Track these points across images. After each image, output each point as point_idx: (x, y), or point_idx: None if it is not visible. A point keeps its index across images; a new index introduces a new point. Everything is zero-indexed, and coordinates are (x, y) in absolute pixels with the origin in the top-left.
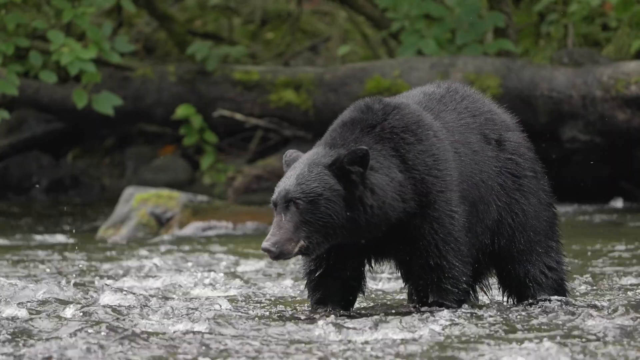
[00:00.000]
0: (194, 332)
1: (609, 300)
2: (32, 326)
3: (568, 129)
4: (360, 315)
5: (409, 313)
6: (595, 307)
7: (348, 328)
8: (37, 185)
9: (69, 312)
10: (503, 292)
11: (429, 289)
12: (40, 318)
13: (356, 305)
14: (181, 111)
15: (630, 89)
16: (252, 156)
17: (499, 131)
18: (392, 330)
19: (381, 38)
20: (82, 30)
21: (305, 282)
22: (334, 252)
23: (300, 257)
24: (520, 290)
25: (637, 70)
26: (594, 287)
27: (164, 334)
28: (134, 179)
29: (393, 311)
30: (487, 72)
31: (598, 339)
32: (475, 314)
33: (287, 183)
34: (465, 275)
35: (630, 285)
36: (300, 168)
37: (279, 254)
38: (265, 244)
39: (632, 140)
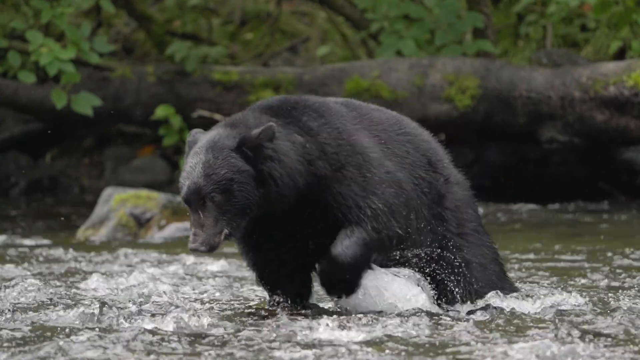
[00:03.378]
0: (169, 333)
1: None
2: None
3: (547, 130)
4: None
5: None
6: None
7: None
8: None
9: (46, 314)
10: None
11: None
12: (14, 321)
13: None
14: (160, 111)
15: (608, 90)
16: None
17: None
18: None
19: (360, 39)
20: (60, 31)
21: (247, 264)
22: (259, 232)
23: None
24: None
25: (615, 71)
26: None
27: (142, 333)
28: (113, 180)
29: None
30: (466, 73)
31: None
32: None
33: (194, 176)
34: (395, 220)
35: (604, 284)
36: (204, 154)
37: (208, 250)
38: (192, 245)
39: (610, 141)
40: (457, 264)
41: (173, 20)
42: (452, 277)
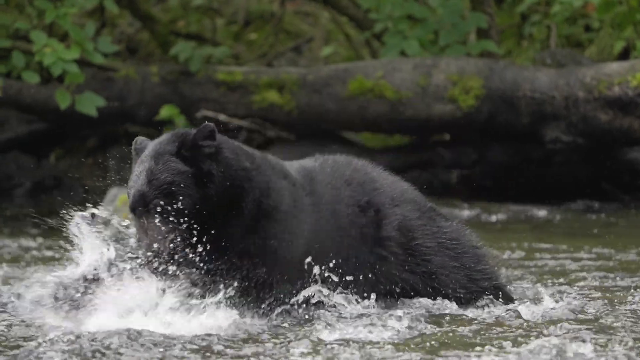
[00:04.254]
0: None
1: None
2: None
3: (550, 130)
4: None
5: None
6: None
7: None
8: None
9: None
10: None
11: None
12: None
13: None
14: (165, 112)
15: (612, 90)
16: None
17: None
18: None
19: (364, 39)
20: (64, 31)
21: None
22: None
23: None
24: None
25: (619, 72)
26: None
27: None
28: (118, 180)
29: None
30: (469, 73)
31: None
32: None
33: (138, 183)
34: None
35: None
36: (148, 162)
37: (156, 256)
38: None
39: (614, 141)
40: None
41: (177, 21)
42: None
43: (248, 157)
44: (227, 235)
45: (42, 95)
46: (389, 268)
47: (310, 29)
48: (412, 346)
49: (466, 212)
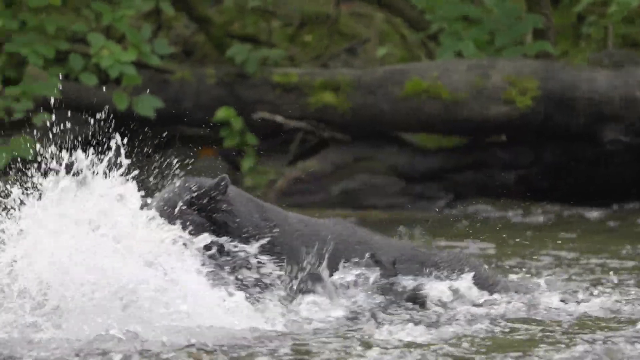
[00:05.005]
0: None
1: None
2: None
3: (609, 131)
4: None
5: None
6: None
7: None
8: None
9: None
10: None
11: None
12: None
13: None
14: (221, 113)
15: None
16: (292, 158)
17: None
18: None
19: (419, 40)
20: (121, 33)
21: None
22: None
23: None
24: None
25: None
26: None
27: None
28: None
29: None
30: (526, 74)
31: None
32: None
33: None
34: None
35: None
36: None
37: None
38: None
39: None
40: None
41: (232, 23)
42: None
43: (259, 209)
44: None
45: (100, 97)
46: None
47: (365, 30)
48: (463, 346)
49: (521, 213)
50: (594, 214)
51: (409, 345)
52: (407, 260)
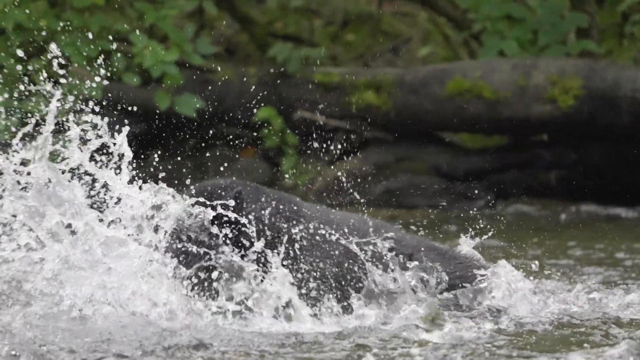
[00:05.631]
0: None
1: None
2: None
3: None
4: None
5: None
6: None
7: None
8: None
9: None
10: None
11: None
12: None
13: None
14: (262, 113)
15: None
16: (333, 158)
17: None
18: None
19: (462, 39)
20: (164, 33)
21: None
22: None
23: None
24: None
25: None
26: None
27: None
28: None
29: None
30: (569, 73)
31: None
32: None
33: None
34: None
35: None
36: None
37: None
38: None
39: None
40: None
41: (275, 22)
42: None
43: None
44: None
45: (142, 97)
46: None
47: (408, 29)
48: (504, 344)
49: (562, 213)
50: (636, 214)
51: (456, 344)
52: (426, 253)
